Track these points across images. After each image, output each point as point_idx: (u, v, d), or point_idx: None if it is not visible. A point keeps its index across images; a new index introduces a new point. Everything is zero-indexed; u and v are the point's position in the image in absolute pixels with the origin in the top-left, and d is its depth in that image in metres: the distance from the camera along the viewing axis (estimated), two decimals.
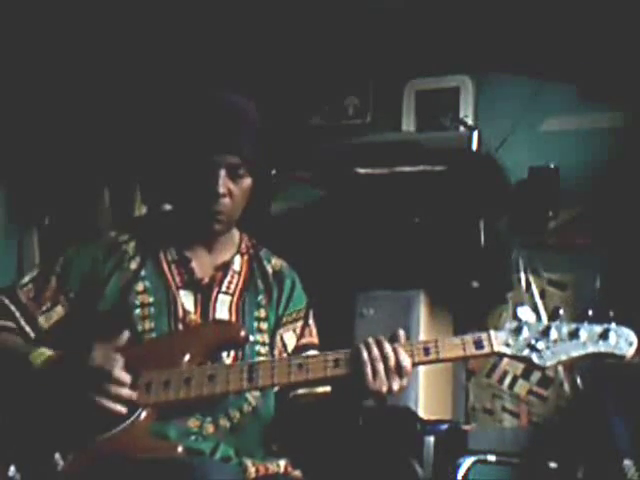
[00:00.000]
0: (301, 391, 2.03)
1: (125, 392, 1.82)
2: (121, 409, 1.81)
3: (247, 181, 1.99)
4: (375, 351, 1.83)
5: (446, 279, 3.42)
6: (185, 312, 1.98)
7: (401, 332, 1.88)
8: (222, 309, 2.01)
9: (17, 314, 1.99)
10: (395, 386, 1.82)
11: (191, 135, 1.97)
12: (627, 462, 2.92)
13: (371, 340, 1.85)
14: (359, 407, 1.95)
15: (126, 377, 1.83)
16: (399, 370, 1.83)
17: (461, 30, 3.70)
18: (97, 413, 1.80)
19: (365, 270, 3.42)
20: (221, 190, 1.93)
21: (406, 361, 1.83)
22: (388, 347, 1.83)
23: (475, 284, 3.45)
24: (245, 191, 1.99)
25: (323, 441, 2.17)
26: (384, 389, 1.82)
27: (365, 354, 1.83)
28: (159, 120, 2.30)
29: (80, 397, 1.81)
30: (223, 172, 1.94)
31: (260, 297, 2.07)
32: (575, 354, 1.84)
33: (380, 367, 1.82)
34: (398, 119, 3.92)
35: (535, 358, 1.85)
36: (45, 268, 2.04)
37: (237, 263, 2.08)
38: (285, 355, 2.05)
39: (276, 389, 2.03)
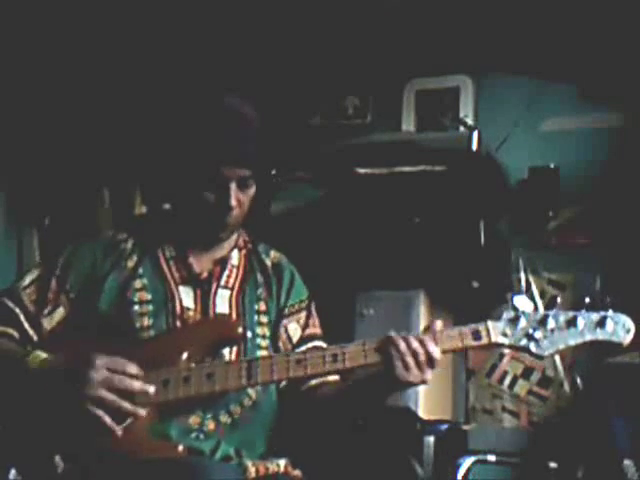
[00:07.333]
0: (314, 382, 2.04)
1: (125, 405, 1.81)
2: (112, 423, 1.80)
3: (253, 188, 2.01)
4: (403, 345, 1.83)
5: (446, 279, 3.41)
6: (183, 309, 1.99)
7: (438, 322, 1.88)
8: (222, 304, 2.02)
9: (21, 317, 1.99)
10: (428, 376, 1.85)
11: (200, 148, 1.95)
12: (627, 462, 2.91)
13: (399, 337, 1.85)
14: (384, 400, 1.95)
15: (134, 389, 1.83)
16: (431, 362, 1.84)
17: (461, 30, 3.70)
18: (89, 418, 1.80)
19: (365, 270, 3.41)
20: (233, 203, 1.95)
21: (436, 352, 1.84)
22: (415, 341, 1.84)
23: (475, 284, 3.44)
24: (251, 198, 2.01)
25: (341, 434, 2.18)
26: (417, 381, 1.84)
27: (402, 344, 1.83)
28: (163, 124, 2.28)
29: (75, 401, 1.81)
30: (234, 185, 1.95)
31: (260, 290, 2.08)
32: (573, 342, 1.85)
33: (411, 361, 1.82)
34: (398, 119, 3.91)
35: (533, 347, 1.86)
36: (45, 269, 2.04)
37: (235, 258, 2.09)
38: (290, 346, 2.06)
39: (284, 384, 2.04)
